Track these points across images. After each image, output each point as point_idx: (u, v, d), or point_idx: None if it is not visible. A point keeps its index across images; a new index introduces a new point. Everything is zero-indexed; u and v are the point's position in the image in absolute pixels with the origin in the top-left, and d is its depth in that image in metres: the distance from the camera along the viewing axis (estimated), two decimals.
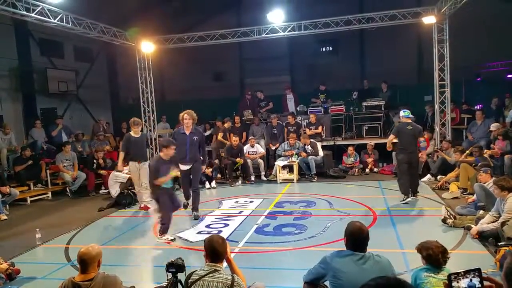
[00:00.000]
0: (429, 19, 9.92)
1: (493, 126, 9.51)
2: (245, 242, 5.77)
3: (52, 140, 11.55)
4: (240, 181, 10.44)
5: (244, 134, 11.76)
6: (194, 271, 2.97)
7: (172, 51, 12.62)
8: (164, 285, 3.31)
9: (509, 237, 4.77)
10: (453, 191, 7.82)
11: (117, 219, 7.76)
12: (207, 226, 6.72)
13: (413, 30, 12.44)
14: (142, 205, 8.16)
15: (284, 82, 14.45)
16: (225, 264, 3.13)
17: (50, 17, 8.27)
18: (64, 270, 5.04)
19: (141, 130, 8.57)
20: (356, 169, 10.76)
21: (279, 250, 5.40)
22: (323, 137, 11.64)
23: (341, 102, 12.23)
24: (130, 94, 15.80)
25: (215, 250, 2.99)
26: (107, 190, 9.40)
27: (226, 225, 6.72)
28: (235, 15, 15.75)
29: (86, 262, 3.03)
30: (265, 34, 11.09)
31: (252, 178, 10.55)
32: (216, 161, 11.10)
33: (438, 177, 8.98)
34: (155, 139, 12.00)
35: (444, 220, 5.92)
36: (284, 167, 10.35)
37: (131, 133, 8.17)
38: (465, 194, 7.61)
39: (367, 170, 10.82)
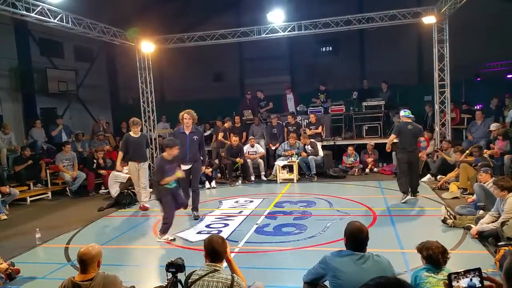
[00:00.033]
0: (429, 19, 9.92)
1: (493, 126, 9.51)
2: (245, 242, 5.77)
3: (52, 140, 11.56)
4: (240, 181, 10.45)
5: (244, 134, 11.76)
6: (194, 271, 2.97)
7: (172, 51, 12.62)
8: (164, 285, 3.31)
9: (509, 237, 4.78)
10: (453, 191, 7.82)
11: (117, 219, 7.76)
12: (207, 226, 6.72)
13: (413, 30, 12.46)
14: (141, 205, 8.16)
15: (284, 82, 14.44)
16: (225, 264, 3.13)
17: (50, 17, 8.27)
18: (64, 270, 5.04)
19: (141, 130, 8.55)
20: (356, 169, 10.77)
21: (279, 250, 5.40)
22: (323, 137, 11.65)
23: (341, 102, 12.22)
24: (130, 94, 15.81)
25: (214, 250, 2.99)
26: (107, 190, 9.41)
27: (226, 225, 6.72)
28: (235, 15, 15.74)
29: (86, 262, 3.02)
30: (265, 34, 11.09)
31: (252, 178, 10.55)
32: (216, 161, 11.11)
33: (438, 177, 8.98)
34: (155, 139, 12.00)
35: (444, 221, 5.92)
36: (284, 167, 10.35)
37: (131, 133, 8.15)
38: (465, 194, 7.62)
39: (367, 170, 10.83)
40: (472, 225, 5.49)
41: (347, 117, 12.14)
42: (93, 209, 8.34)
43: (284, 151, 10.76)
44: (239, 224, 6.72)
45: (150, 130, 11.87)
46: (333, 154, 11.42)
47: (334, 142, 11.75)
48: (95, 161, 10.29)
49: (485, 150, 8.63)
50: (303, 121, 12.15)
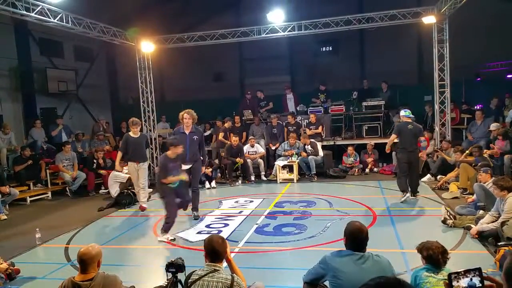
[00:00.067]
0: (429, 19, 9.92)
1: (493, 126, 9.51)
2: (245, 242, 5.77)
3: (52, 140, 11.56)
4: (240, 181, 10.45)
5: (244, 134, 11.76)
6: (194, 271, 2.97)
7: (172, 51, 12.61)
8: (164, 285, 3.31)
9: (509, 237, 4.78)
10: (453, 191, 7.82)
11: (117, 219, 7.76)
12: (207, 226, 6.72)
13: (413, 30, 12.46)
14: (140, 205, 8.15)
15: (284, 82, 14.43)
16: (225, 264, 3.13)
17: (50, 16, 8.27)
18: (64, 270, 5.04)
19: (141, 130, 8.55)
20: (356, 169, 10.77)
21: (279, 250, 5.40)
22: (323, 137, 11.65)
23: (341, 102, 12.21)
24: (130, 94, 15.79)
25: (214, 250, 2.99)
26: (107, 190, 9.41)
27: (226, 225, 6.72)
28: (235, 15, 15.74)
29: (86, 262, 3.02)
30: (265, 34, 11.08)
31: (252, 178, 10.55)
32: (216, 161, 11.11)
33: (438, 177, 8.98)
34: (155, 139, 11.99)
35: (444, 221, 5.92)
36: (284, 167, 10.35)
37: (130, 133, 8.13)
38: (465, 194, 7.62)
39: (367, 170, 10.83)
40: (472, 225, 5.49)
41: (347, 117, 12.14)
42: (93, 209, 8.34)
43: (284, 151, 10.76)
44: (239, 224, 6.72)
45: (150, 130, 11.86)
46: (333, 154, 11.42)
47: (334, 142, 11.75)
48: (95, 161, 10.29)
49: (485, 150, 8.63)
50: (303, 121, 12.15)
